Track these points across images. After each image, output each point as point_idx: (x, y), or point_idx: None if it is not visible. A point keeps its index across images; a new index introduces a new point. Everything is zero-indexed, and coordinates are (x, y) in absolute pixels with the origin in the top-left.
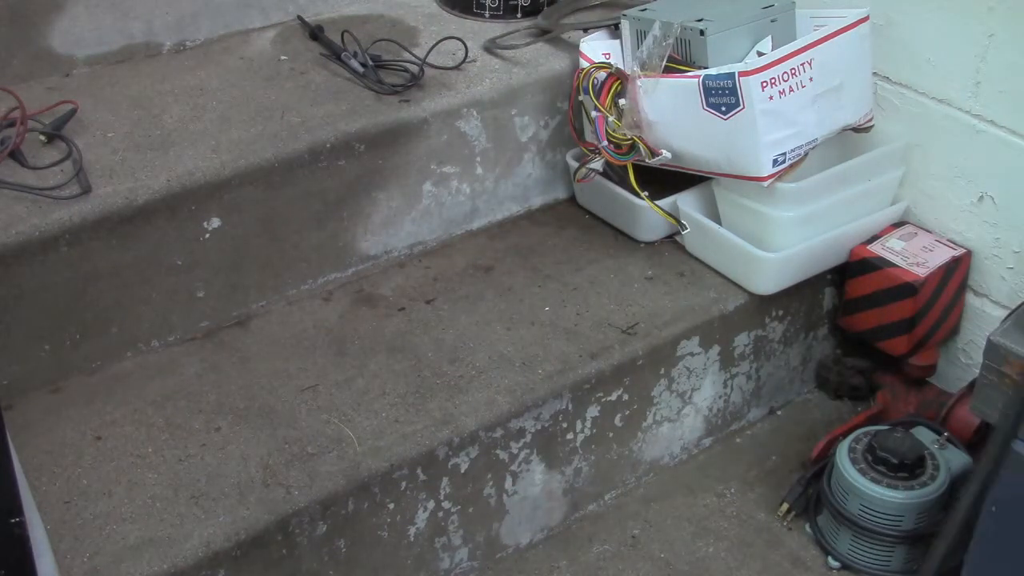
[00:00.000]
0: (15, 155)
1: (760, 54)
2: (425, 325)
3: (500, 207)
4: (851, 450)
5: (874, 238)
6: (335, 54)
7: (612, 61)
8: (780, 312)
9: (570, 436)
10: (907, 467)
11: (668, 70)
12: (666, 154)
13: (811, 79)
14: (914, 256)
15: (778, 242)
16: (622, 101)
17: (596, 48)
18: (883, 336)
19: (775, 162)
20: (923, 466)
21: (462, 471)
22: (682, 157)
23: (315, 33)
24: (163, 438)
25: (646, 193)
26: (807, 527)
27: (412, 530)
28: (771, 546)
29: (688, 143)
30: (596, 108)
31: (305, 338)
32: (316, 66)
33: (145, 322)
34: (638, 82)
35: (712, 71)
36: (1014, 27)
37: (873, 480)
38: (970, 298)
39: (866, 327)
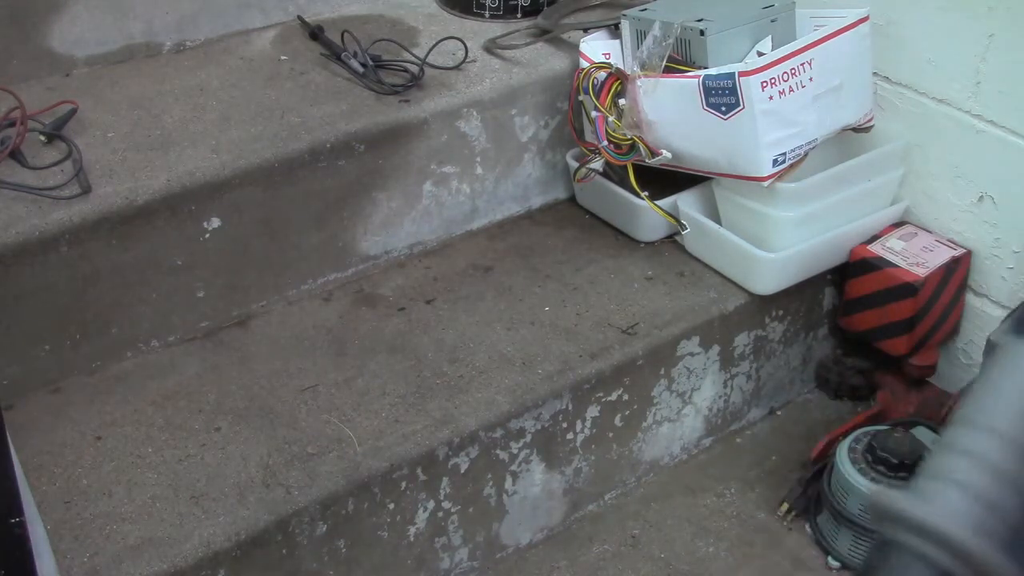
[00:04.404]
0: (15, 155)
1: (760, 54)
2: (425, 325)
3: (500, 207)
4: (851, 450)
5: (874, 238)
6: (335, 54)
7: (612, 61)
8: (780, 312)
9: (570, 436)
10: (907, 467)
11: (668, 70)
12: (666, 154)
13: (811, 79)
14: (914, 256)
15: (778, 242)
16: (622, 101)
17: (596, 48)
18: (883, 336)
19: (775, 162)
20: None
21: (462, 471)
22: (682, 157)
23: (315, 33)
24: (163, 438)
25: (646, 193)
26: (807, 527)
27: (412, 530)
28: (771, 546)
29: (688, 143)
30: (596, 108)
31: (305, 338)
32: (316, 66)
33: (145, 322)
34: (638, 82)
35: (712, 71)
36: (1014, 27)
37: (873, 480)
38: (970, 298)
39: (866, 327)
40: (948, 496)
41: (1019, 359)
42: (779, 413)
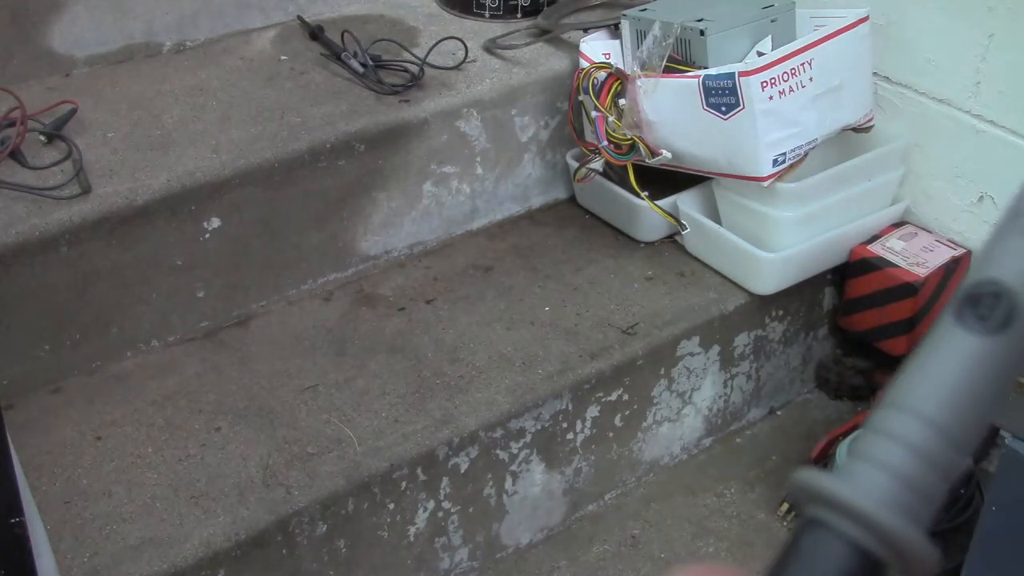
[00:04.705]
0: (15, 155)
1: (760, 54)
2: (425, 325)
3: (500, 207)
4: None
5: (874, 238)
6: (335, 54)
7: (612, 61)
8: (780, 312)
9: (570, 436)
10: None
11: (668, 70)
12: (666, 154)
13: (811, 79)
14: (914, 256)
15: (778, 242)
16: (622, 101)
17: (596, 48)
18: (883, 336)
19: (775, 162)
20: None
21: (462, 471)
22: (682, 157)
23: (315, 33)
24: (163, 438)
25: (646, 193)
26: None
27: (412, 530)
28: (771, 546)
29: (688, 143)
30: (596, 108)
31: (305, 338)
32: (316, 66)
33: (145, 322)
34: (638, 82)
35: (712, 71)
36: (1014, 27)
37: None
38: None
39: (866, 327)
40: (871, 476)
41: (946, 342)
42: (779, 413)
